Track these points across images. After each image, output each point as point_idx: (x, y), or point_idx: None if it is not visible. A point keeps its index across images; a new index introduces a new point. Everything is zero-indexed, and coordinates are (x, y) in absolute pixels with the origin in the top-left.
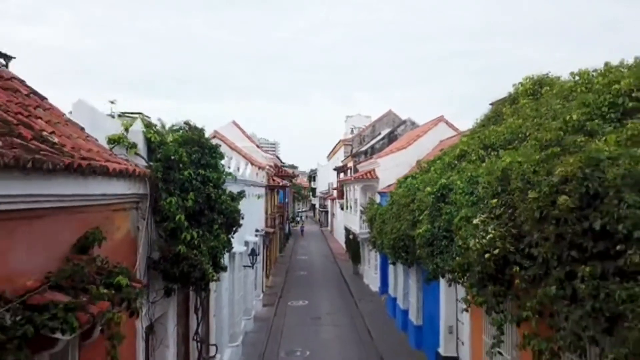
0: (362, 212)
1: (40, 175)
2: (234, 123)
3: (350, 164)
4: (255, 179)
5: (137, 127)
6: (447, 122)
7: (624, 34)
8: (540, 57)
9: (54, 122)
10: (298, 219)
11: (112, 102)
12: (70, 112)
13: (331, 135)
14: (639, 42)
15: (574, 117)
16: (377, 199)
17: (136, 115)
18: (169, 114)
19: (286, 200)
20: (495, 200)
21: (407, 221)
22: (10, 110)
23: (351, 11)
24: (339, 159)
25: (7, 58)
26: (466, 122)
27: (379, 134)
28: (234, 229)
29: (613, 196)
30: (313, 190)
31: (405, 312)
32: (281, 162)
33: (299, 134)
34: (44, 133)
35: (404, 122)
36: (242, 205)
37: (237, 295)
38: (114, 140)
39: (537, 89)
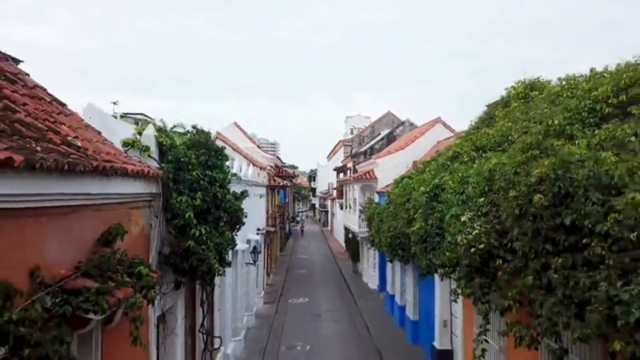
0: (361, 212)
1: (72, 176)
2: (235, 124)
3: (350, 164)
4: (256, 179)
5: (150, 131)
6: (444, 124)
7: (624, 34)
8: (540, 57)
9: (75, 127)
10: (298, 218)
11: (114, 103)
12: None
13: (331, 136)
14: (639, 42)
15: (556, 121)
16: (376, 198)
17: (139, 116)
18: (169, 114)
19: (286, 200)
20: (482, 199)
21: (403, 219)
22: (39, 117)
23: (351, 11)
24: (338, 159)
25: (15, 61)
26: (466, 122)
27: (378, 134)
28: (238, 226)
29: (581, 195)
30: (313, 190)
31: (403, 308)
32: (281, 162)
33: (299, 134)
34: (69, 138)
35: (403, 123)
36: (245, 205)
37: (239, 291)
38: (128, 144)
39: (528, 93)
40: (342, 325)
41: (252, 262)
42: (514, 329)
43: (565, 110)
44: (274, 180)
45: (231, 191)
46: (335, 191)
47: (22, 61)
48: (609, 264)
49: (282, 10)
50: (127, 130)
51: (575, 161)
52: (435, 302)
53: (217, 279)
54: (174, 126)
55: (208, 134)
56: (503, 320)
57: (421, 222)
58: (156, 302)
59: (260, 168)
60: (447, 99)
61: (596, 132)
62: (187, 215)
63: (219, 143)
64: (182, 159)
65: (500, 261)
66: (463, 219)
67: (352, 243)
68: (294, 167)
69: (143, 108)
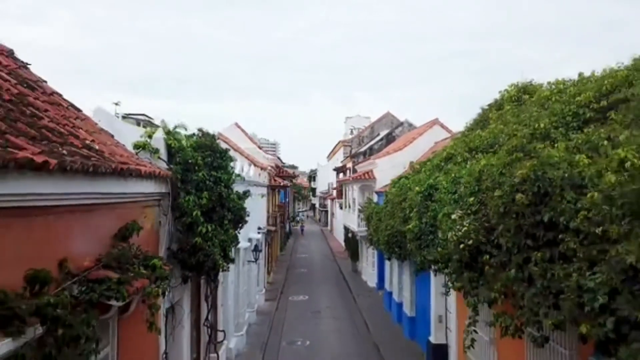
0: (360, 211)
1: (94, 177)
2: (237, 125)
3: (350, 165)
4: (257, 179)
5: (159, 135)
6: (441, 125)
7: (624, 34)
8: (540, 57)
9: (91, 131)
10: (298, 218)
11: (116, 104)
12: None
13: (331, 136)
14: (639, 42)
15: (542, 125)
16: (375, 198)
17: (140, 117)
18: (169, 114)
19: (287, 200)
20: (472, 198)
21: (399, 218)
22: (60, 122)
23: (351, 11)
24: (338, 159)
25: (24, 64)
26: (466, 122)
27: (378, 134)
28: (240, 225)
29: (557, 194)
30: (313, 190)
31: (400, 305)
32: (282, 162)
33: (299, 134)
34: (87, 141)
35: (402, 123)
36: (247, 204)
37: (241, 288)
38: (139, 146)
39: (520, 96)
40: (341, 321)
41: (253, 260)
42: (500, 320)
43: (551, 114)
44: (275, 180)
45: (234, 191)
46: (335, 191)
47: (30, 64)
48: (579, 257)
49: (282, 10)
50: (134, 133)
51: (554, 163)
52: (431, 299)
53: (220, 276)
54: (176, 126)
55: (213, 136)
56: (491, 312)
57: (416, 221)
58: (166, 294)
59: (261, 168)
60: (447, 99)
61: (573, 136)
62: (194, 214)
63: (221, 144)
64: (189, 161)
65: (487, 256)
66: (454, 216)
67: (352, 242)
68: (294, 167)
69: (143, 108)
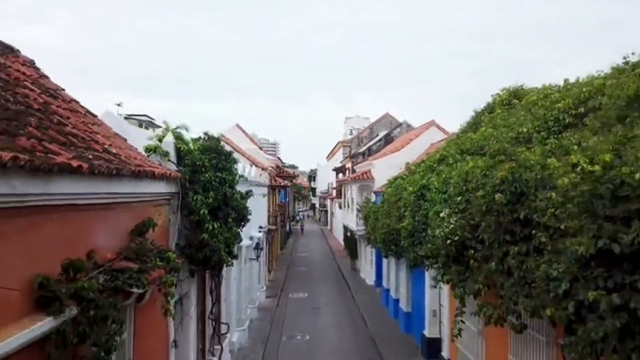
0: (358, 210)
1: (116, 178)
2: (238, 126)
3: (349, 165)
4: (258, 179)
5: (169, 139)
6: (438, 126)
7: (624, 34)
8: (540, 57)
9: (107, 136)
10: (298, 217)
11: (118, 105)
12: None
13: (331, 136)
14: (639, 42)
15: (525, 129)
16: (373, 198)
17: (142, 118)
18: (169, 114)
19: (287, 199)
20: (459, 198)
21: (395, 217)
22: (81, 129)
23: (351, 11)
24: (338, 159)
25: (44, 74)
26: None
27: (377, 135)
28: (243, 223)
29: (532, 194)
30: (313, 190)
31: (397, 301)
32: (282, 162)
33: (299, 134)
34: (106, 146)
35: (400, 124)
36: (249, 204)
37: (243, 285)
38: (150, 150)
39: (511, 100)
40: (339, 317)
41: (255, 257)
42: (484, 309)
43: (534, 119)
44: (275, 180)
45: (238, 191)
46: (334, 191)
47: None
48: (549, 250)
49: (282, 10)
50: (141, 136)
51: (529, 166)
52: (426, 294)
53: (224, 271)
54: (177, 127)
55: (218, 139)
56: (476, 302)
57: (409, 219)
58: (176, 286)
59: (262, 169)
60: (447, 99)
61: (548, 141)
62: (201, 212)
63: (224, 146)
64: (197, 163)
65: (472, 251)
66: (442, 215)
67: (351, 241)
68: (294, 167)
69: (143, 108)
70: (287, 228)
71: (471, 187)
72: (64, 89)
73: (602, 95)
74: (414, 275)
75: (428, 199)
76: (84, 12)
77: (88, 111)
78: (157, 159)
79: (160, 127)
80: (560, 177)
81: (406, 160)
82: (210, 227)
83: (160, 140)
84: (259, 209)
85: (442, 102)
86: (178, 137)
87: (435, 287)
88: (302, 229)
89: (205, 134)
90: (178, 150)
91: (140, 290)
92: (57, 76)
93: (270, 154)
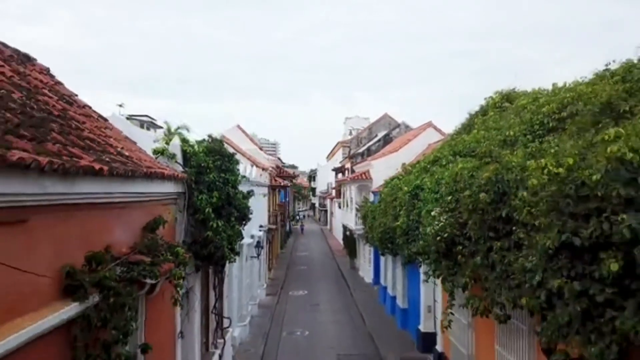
0: (357, 210)
1: (130, 179)
2: (238, 127)
3: (348, 165)
4: (259, 179)
5: (176, 142)
6: (435, 127)
7: (624, 34)
8: (540, 57)
9: (119, 139)
10: (298, 217)
11: (120, 106)
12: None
13: (331, 136)
14: (639, 42)
15: (512, 132)
16: (371, 197)
17: (144, 118)
18: (169, 114)
19: (287, 199)
20: (450, 197)
21: (391, 216)
22: (95, 133)
23: (351, 11)
24: (337, 159)
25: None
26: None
27: (376, 136)
28: (244, 222)
29: (512, 194)
30: (313, 190)
31: (394, 298)
32: (282, 162)
33: (299, 134)
34: (119, 149)
35: (399, 125)
36: (250, 203)
37: (244, 282)
38: (158, 152)
39: (503, 103)
40: (338, 314)
41: (256, 255)
42: (471, 301)
43: (522, 122)
44: (275, 180)
45: (240, 191)
46: (334, 191)
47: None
48: (526, 244)
49: (282, 10)
50: (147, 138)
51: (511, 167)
52: (421, 291)
53: (226, 268)
54: (178, 127)
55: (221, 141)
56: (464, 295)
57: (404, 218)
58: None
59: (262, 169)
60: (447, 99)
61: (530, 144)
62: (206, 211)
63: (226, 147)
64: (202, 164)
65: (460, 247)
66: (433, 213)
67: (350, 240)
68: (294, 167)
69: (143, 108)
70: (287, 228)
71: (459, 187)
72: (77, 95)
73: (581, 101)
74: (410, 273)
75: (421, 199)
76: (84, 12)
77: (100, 115)
78: (164, 160)
79: (161, 127)
80: (530, 179)
81: (404, 161)
82: (215, 225)
83: (167, 143)
84: (259, 209)
85: (442, 102)
86: (184, 140)
87: (427, 281)
88: (302, 229)
89: (209, 136)
90: (184, 153)
91: (153, 281)
92: (57, 76)
93: (270, 154)
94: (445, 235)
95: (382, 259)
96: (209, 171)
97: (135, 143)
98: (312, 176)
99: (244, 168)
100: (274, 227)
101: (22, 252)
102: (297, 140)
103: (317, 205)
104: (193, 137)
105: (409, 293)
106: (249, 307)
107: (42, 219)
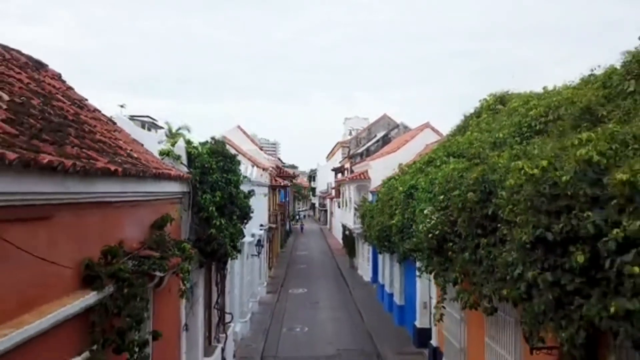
0: (356, 209)
1: (141, 179)
2: (239, 127)
3: (347, 165)
4: (259, 179)
5: (181, 144)
6: (432, 128)
7: (624, 34)
8: (541, 57)
9: (127, 141)
10: (298, 217)
11: (121, 107)
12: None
13: (331, 136)
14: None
15: (501, 134)
16: (369, 197)
17: (145, 119)
18: (169, 114)
19: (287, 199)
20: (442, 197)
21: (387, 215)
22: (106, 136)
23: (351, 11)
24: (337, 159)
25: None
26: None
27: (375, 136)
28: (246, 220)
29: (497, 193)
30: (313, 189)
31: (391, 295)
32: (282, 162)
33: (299, 134)
34: (128, 151)
35: (397, 125)
36: (251, 202)
37: (245, 279)
38: (164, 153)
39: (496, 105)
40: (337, 311)
41: (256, 254)
42: (461, 295)
43: (511, 124)
44: (275, 180)
45: (241, 190)
46: (333, 191)
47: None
48: (508, 240)
49: (282, 10)
50: (149, 139)
51: (496, 168)
52: (417, 288)
53: (228, 265)
54: (179, 128)
55: (223, 143)
56: (455, 290)
57: (399, 216)
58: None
59: (263, 169)
60: (447, 99)
61: (515, 146)
62: (210, 210)
63: (228, 149)
64: (205, 165)
65: (451, 244)
66: (426, 212)
67: (349, 239)
68: (294, 167)
69: (143, 108)
70: (287, 227)
71: (450, 187)
72: (87, 99)
73: (564, 105)
74: (406, 270)
75: (416, 198)
76: (84, 12)
77: (109, 119)
78: (169, 161)
79: (162, 127)
80: (508, 179)
81: (401, 161)
82: (218, 223)
83: (172, 144)
84: (260, 208)
85: (442, 102)
86: (188, 142)
87: (419, 276)
88: (302, 228)
89: (212, 138)
90: (189, 154)
91: (162, 274)
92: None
93: (270, 154)
94: (437, 232)
95: (379, 257)
96: (213, 172)
97: (142, 145)
98: (312, 176)
99: (245, 168)
100: (274, 226)
101: (47, 245)
102: (297, 140)
103: (317, 205)
104: (194, 137)
105: (406, 290)
106: (249, 303)
107: (64, 215)
